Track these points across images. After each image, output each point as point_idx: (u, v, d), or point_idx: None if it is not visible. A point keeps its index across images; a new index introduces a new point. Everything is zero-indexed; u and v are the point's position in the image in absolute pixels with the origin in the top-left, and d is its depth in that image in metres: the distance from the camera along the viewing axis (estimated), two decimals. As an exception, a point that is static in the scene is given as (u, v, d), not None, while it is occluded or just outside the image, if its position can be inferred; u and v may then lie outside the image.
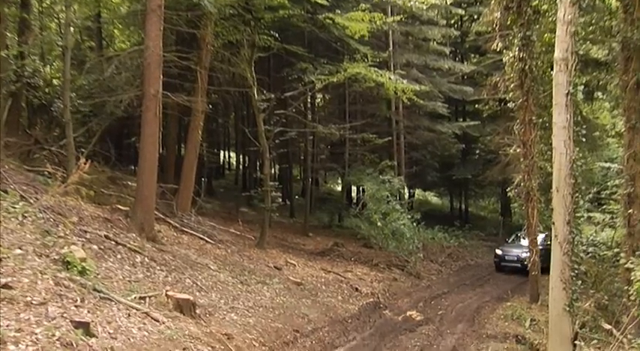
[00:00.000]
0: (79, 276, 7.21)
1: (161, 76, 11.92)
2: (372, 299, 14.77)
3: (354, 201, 32.18)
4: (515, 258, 19.85)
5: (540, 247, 17.37)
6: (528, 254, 16.47)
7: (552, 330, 8.53)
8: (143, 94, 11.94)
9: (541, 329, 11.74)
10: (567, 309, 8.26)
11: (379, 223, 19.40)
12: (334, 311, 12.58)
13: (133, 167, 25.68)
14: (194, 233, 14.28)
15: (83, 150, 14.09)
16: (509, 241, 21.71)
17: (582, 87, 15.57)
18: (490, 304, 15.45)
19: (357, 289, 15.29)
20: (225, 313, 9.38)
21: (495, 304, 15.41)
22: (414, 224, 20.80)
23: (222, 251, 13.95)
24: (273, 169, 35.94)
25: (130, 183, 17.44)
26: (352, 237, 24.23)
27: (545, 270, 17.31)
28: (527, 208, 14.67)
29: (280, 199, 33.93)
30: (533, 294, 15.19)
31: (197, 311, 8.60)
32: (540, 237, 18.49)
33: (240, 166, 33.35)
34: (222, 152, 39.67)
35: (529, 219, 14.62)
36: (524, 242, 19.36)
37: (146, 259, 9.96)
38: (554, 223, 8.66)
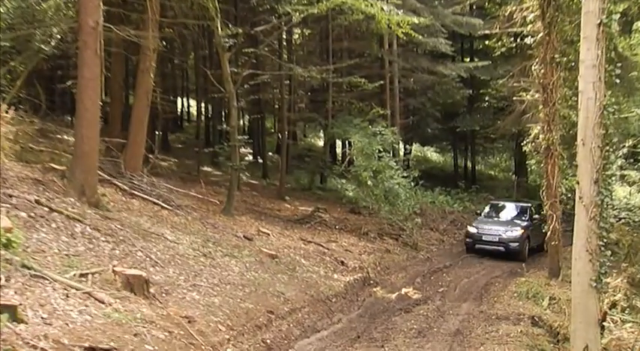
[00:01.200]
0: (3, 250, 7.04)
1: (101, 4, 11.52)
2: (360, 274, 14.85)
3: (339, 158, 32.17)
4: (496, 238, 18.39)
5: (525, 224, 18.74)
6: (517, 233, 17.85)
7: (576, 310, 8.61)
8: (79, 26, 11.55)
9: (562, 309, 11.91)
10: (594, 285, 8.32)
11: (369, 182, 19.38)
12: (315, 289, 12.62)
13: (69, 118, 25.40)
14: (147, 197, 14.14)
15: (4, 95, 13.71)
16: (485, 215, 20.15)
17: (618, 16, 15.35)
18: (501, 279, 15.69)
19: (342, 263, 15.36)
20: (185, 291, 9.33)
21: (507, 279, 15.62)
22: (411, 185, 20.87)
23: (181, 219, 13.85)
24: (241, 121, 35.67)
25: (66, 137, 17.14)
26: (337, 201, 24.31)
27: (533, 251, 18.73)
28: (546, 165, 14.70)
29: (251, 157, 33.91)
30: (553, 268, 15.39)
31: (151, 290, 8.53)
32: (526, 212, 19.39)
33: (202, 117, 32.98)
34: (179, 100, 39.23)
35: (548, 178, 14.66)
36: (509, 215, 19.78)
37: (88, 228, 9.81)
38: (578, 183, 8.64)
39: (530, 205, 19.94)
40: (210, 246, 12.37)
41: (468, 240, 19.00)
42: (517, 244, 18.25)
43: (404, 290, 13.90)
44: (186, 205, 15.34)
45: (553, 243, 14.89)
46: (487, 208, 20.75)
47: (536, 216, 18.90)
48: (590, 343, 8.27)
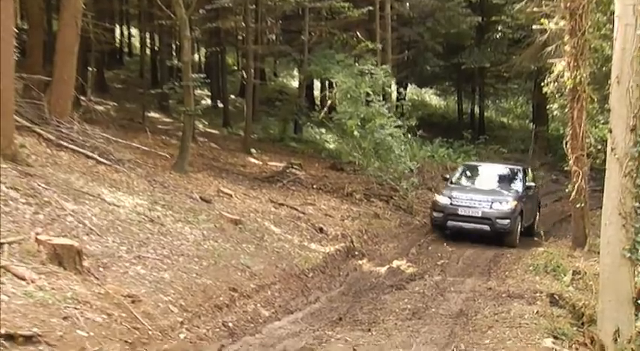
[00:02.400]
0: None
1: None
2: (342, 244, 14.93)
3: (318, 103, 32.07)
4: (478, 213, 16.38)
5: (518, 194, 17.18)
6: (508, 206, 16.26)
7: (605, 286, 8.68)
8: None
9: (587, 286, 12.04)
10: (627, 255, 8.34)
11: (356, 133, 19.35)
12: (288, 261, 12.67)
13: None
14: (78, 149, 13.94)
15: None
16: (458, 180, 18.33)
17: None
18: (513, 249, 15.91)
19: (321, 230, 15.41)
20: (127, 265, 9.28)
21: (521, 249, 15.76)
22: (407, 136, 20.87)
23: (122, 176, 13.72)
24: (196, 55, 35.23)
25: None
26: (314, 155, 24.36)
27: (526, 234, 17.52)
28: (571, 110, 14.70)
29: (208, 100, 33.59)
30: (577, 235, 15.54)
31: (85, 263, 8.44)
32: (517, 178, 18.10)
33: (147, 50, 32.49)
34: (118, 28, 38.50)
35: (574, 126, 14.68)
36: (494, 182, 18.13)
37: (3, 187, 9.66)
38: (610, 131, 8.62)
39: (521, 168, 18.82)
40: (158, 210, 12.29)
41: (436, 214, 16.94)
42: (507, 221, 16.18)
43: (395, 263, 14.00)
44: (128, 159, 15.20)
45: (579, 205, 15.01)
46: (460, 172, 18.83)
47: (531, 184, 18.17)
48: (621, 326, 8.34)
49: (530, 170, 19.05)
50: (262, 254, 12.42)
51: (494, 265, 14.25)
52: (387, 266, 13.72)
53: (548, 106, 18.48)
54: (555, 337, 8.89)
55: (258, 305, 10.33)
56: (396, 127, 19.94)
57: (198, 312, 9.04)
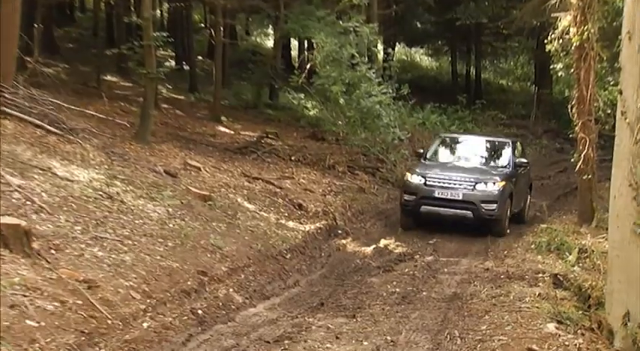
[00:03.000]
0: None
1: None
2: (324, 221, 15.01)
3: (296, 65, 31.92)
4: (459, 195, 15.18)
5: (507, 173, 16.05)
6: (495, 188, 15.10)
7: (613, 265, 8.71)
8: None
9: (595, 265, 12.12)
10: (639, 231, 8.38)
11: (341, 101, 19.34)
12: (264, 241, 12.70)
13: None
14: (25, 117, 13.81)
15: None
16: (431, 157, 17.17)
17: None
18: (513, 225, 16.02)
19: (300, 206, 15.45)
20: (83, 247, 9.24)
21: (523, 226, 15.82)
22: (397, 103, 20.86)
23: (75, 147, 13.64)
24: (158, 11, 34.91)
25: None
26: (293, 123, 24.32)
27: (515, 221, 16.41)
28: (578, 70, 14.71)
29: (173, 62, 33.34)
30: (584, 210, 15.63)
31: (34, 245, 8.40)
32: (506, 154, 17.05)
33: (102, 5, 32.16)
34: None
35: (581, 88, 14.70)
36: (477, 158, 17.15)
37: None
38: (621, 93, 8.62)
39: (510, 141, 17.91)
40: (117, 185, 12.24)
41: (406, 198, 15.59)
42: (494, 206, 15.08)
43: (383, 242, 14.04)
44: (82, 128, 15.08)
45: (585, 176, 15.08)
46: (437, 146, 17.79)
47: (522, 160, 17.24)
48: (631, 308, 8.35)
49: (519, 144, 18.34)
50: (235, 234, 12.43)
51: (492, 243, 14.34)
52: (374, 246, 13.76)
53: (552, 67, 18.15)
54: (559, 322, 8.93)
55: (231, 290, 10.33)
56: (383, 93, 19.90)
57: (164, 298, 9.02)
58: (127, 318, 8.03)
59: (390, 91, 20.30)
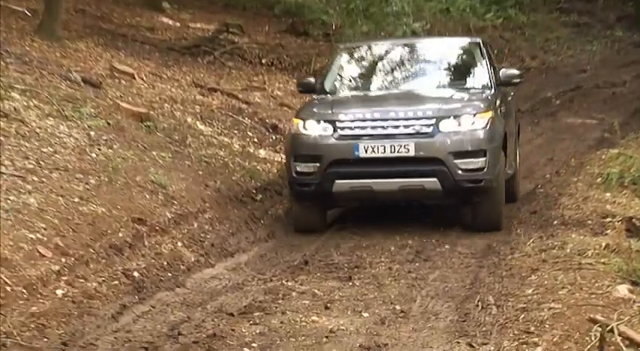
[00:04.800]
0: None
1: None
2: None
3: None
4: (407, 149, 11.83)
5: (488, 92, 13.17)
6: (476, 126, 11.84)
7: None
8: None
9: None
10: None
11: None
12: (225, 177, 12.85)
13: None
14: None
15: None
16: (337, 86, 14.23)
17: None
18: (572, 150, 16.36)
19: (275, 128, 15.45)
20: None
21: (584, 151, 15.88)
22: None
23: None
24: None
25: None
26: (264, 11, 24.09)
27: (508, 196, 13.03)
28: None
29: None
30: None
31: None
32: (479, 63, 13.90)
33: None
34: None
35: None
36: (428, 79, 14.17)
37: None
38: None
39: (478, 41, 14.83)
40: (15, 98, 12.16)
41: (301, 169, 12.26)
42: (482, 161, 11.88)
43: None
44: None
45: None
46: (345, 64, 14.90)
47: (511, 72, 14.10)
48: None
49: (490, 47, 15.60)
50: (184, 167, 12.45)
51: (541, 175, 14.39)
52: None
53: None
54: (634, 283, 8.95)
55: (179, 245, 10.39)
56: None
57: (85, 256, 9.01)
58: (33, 283, 8.01)
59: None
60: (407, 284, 9.16)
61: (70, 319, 7.64)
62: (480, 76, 13.75)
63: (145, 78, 15.89)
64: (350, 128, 12.11)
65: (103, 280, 8.79)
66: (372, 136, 12.01)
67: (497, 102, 13.04)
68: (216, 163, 13.05)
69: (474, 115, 11.99)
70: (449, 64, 14.62)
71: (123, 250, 9.58)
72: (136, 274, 9.19)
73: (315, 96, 13.85)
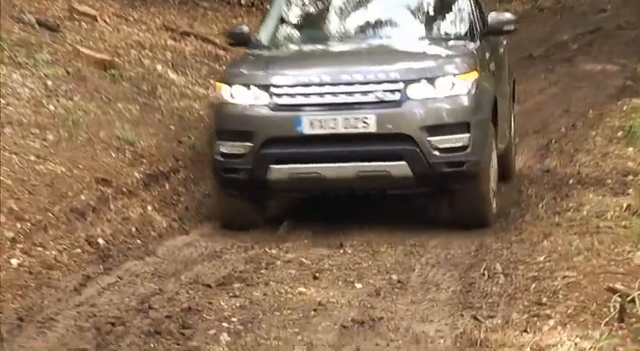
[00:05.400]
0: None
1: None
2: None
3: None
4: (366, 124, 10.42)
5: (472, 45, 11.65)
6: (456, 90, 10.39)
7: None
8: None
9: None
10: None
11: None
12: (199, 133, 12.88)
13: None
14: None
15: None
16: (270, 39, 12.43)
17: None
18: (590, 99, 16.32)
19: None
20: None
21: (605, 100, 15.92)
22: None
23: None
24: None
25: None
26: None
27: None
28: None
29: None
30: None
31: None
32: (460, 18, 12.10)
33: None
34: None
35: None
36: (390, 28, 12.43)
37: None
38: None
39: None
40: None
41: (226, 149, 10.79)
42: (465, 138, 10.49)
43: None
44: None
45: None
46: (284, 11, 13.11)
47: (503, 17, 12.51)
48: None
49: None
50: (154, 121, 12.47)
51: (555, 126, 14.41)
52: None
53: None
54: (657, 249, 9.04)
55: (149, 208, 10.42)
56: None
57: (43, 221, 9.03)
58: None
59: None
60: (404, 250, 9.19)
61: (27, 292, 7.66)
62: (462, 23, 12.10)
63: (108, 20, 15.81)
64: (291, 95, 10.62)
65: (64, 248, 8.81)
66: (320, 107, 10.54)
67: (486, 57, 11.75)
68: (190, 116, 13.02)
69: (454, 76, 10.56)
70: (422, 9, 12.65)
71: (86, 214, 9.58)
72: (100, 241, 9.22)
73: (248, 51, 12.19)
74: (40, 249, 8.59)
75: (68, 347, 6.42)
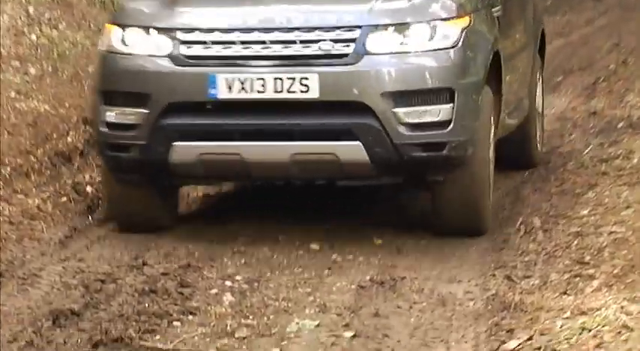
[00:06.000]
0: None
1: None
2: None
3: None
4: (306, 88, 8.68)
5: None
6: (439, 41, 8.35)
7: None
8: None
9: None
10: None
11: None
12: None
13: None
14: None
15: None
16: None
17: None
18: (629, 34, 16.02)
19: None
20: None
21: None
22: None
23: None
24: None
25: None
26: None
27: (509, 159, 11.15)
28: None
29: None
30: None
31: None
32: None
33: None
34: None
35: None
36: None
37: None
38: None
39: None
40: None
41: (114, 119, 8.95)
42: (447, 110, 8.68)
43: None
44: None
45: None
46: None
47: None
48: None
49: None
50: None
51: (602, 64, 14.38)
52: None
53: None
54: None
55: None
56: None
57: (25, 166, 9.10)
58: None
59: None
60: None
61: (7, 244, 7.68)
62: None
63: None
64: (203, 44, 8.79)
65: (48, 197, 8.84)
66: (242, 60, 8.74)
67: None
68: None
69: (436, 21, 8.70)
70: None
71: (72, 158, 9.59)
72: (89, 188, 9.22)
73: None
74: (21, 197, 8.63)
75: (53, 306, 6.34)
